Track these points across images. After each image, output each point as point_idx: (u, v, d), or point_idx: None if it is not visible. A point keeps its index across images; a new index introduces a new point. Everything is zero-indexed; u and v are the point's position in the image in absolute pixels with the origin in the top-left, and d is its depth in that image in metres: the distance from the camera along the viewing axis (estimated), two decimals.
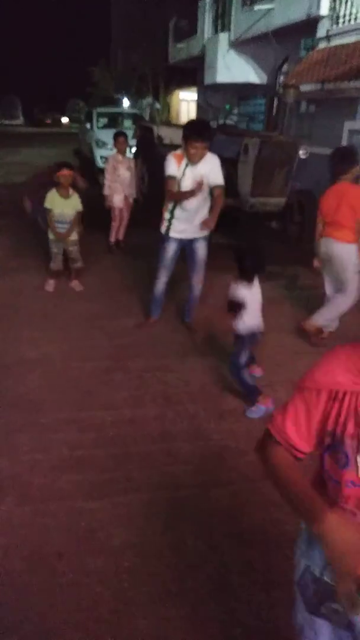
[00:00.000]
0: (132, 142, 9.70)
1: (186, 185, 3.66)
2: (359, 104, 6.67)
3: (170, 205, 3.81)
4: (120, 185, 6.05)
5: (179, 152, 3.69)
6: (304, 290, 5.38)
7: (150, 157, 6.91)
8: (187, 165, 3.64)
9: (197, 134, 3.52)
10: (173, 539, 2.19)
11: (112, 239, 6.35)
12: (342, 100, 7.05)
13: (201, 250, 3.98)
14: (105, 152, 12.84)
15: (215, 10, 12.88)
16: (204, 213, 3.79)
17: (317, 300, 5.04)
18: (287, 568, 2.06)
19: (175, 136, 6.77)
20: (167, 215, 3.85)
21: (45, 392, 3.22)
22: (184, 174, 3.65)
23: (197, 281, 4.07)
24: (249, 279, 2.95)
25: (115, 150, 6.14)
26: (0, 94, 46.24)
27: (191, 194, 3.61)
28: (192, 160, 3.60)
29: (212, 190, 3.72)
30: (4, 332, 4.01)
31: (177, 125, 9.57)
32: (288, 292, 5.31)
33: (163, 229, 3.90)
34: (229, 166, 6.62)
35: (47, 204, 4.64)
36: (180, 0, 15.75)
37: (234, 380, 3.15)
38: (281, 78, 9.77)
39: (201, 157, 3.59)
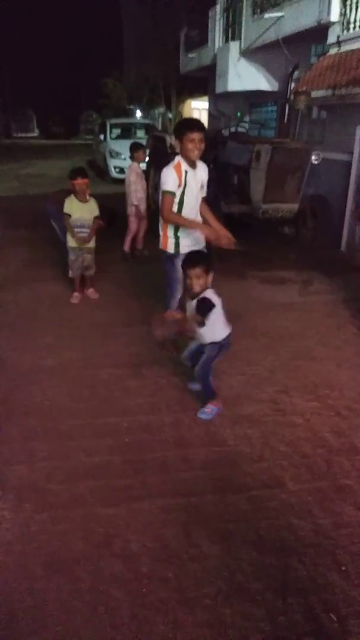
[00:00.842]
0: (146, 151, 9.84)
1: (190, 190, 3.50)
2: None
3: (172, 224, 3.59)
4: (143, 194, 6.19)
5: (176, 161, 3.46)
6: (318, 295, 5.36)
7: (163, 166, 6.99)
8: (186, 171, 3.45)
9: (191, 125, 3.37)
10: (190, 544, 2.19)
11: (128, 247, 6.41)
12: (354, 105, 7.03)
13: None
14: (119, 162, 13.03)
15: (226, 19, 12.99)
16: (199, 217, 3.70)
17: (331, 306, 5.03)
18: (303, 574, 2.07)
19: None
20: (170, 233, 3.61)
21: (62, 399, 3.26)
22: (186, 183, 3.46)
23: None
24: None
25: (132, 162, 6.24)
26: (15, 108, 47.14)
27: (192, 225, 3.48)
28: (192, 157, 3.40)
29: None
30: (22, 340, 4.08)
31: None
32: (302, 298, 5.29)
33: (171, 248, 3.63)
34: (241, 173, 6.66)
35: (66, 209, 4.71)
36: (190, 11, 15.94)
37: (199, 377, 3.09)
38: (292, 85, 9.79)
39: (200, 150, 3.38)
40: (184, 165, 3.46)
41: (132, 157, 6.26)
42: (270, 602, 1.95)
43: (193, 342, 3.13)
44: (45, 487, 2.49)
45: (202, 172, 3.59)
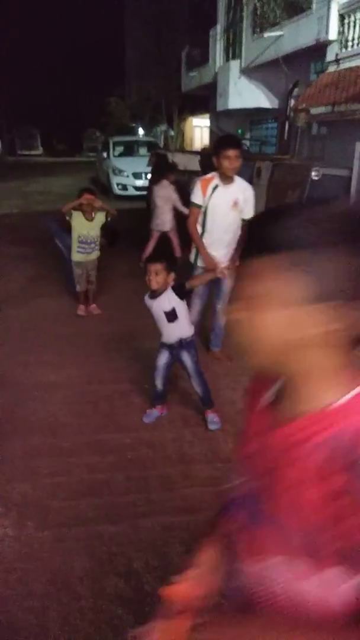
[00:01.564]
0: (148, 169, 9.98)
1: (215, 205, 3.48)
2: None
3: (199, 231, 3.65)
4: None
5: (209, 175, 3.52)
6: None
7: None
8: (216, 186, 3.45)
9: (227, 143, 3.37)
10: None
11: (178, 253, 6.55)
12: (353, 121, 7.14)
13: (229, 277, 3.74)
14: (121, 179, 13.20)
15: (226, 39, 13.26)
16: (233, 241, 3.63)
17: None
18: None
19: (189, 162, 6.93)
20: (193, 244, 3.71)
21: (65, 415, 3.27)
22: (211, 195, 3.46)
23: (223, 309, 3.88)
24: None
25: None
26: (19, 126, 47.94)
27: (201, 251, 3.55)
28: (227, 174, 3.37)
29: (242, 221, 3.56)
30: (25, 356, 4.10)
31: (190, 152, 9.78)
32: None
33: (192, 257, 3.74)
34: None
35: (73, 223, 4.79)
36: (192, 30, 16.28)
37: (199, 385, 3.08)
38: (292, 102, 9.95)
39: (236, 170, 3.37)
40: (216, 180, 3.46)
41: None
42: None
43: (160, 356, 3.09)
44: (48, 505, 2.49)
45: (237, 191, 3.48)
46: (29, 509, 2.46)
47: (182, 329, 2.97)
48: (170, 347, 3.04)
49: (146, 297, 2.99)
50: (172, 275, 2.91)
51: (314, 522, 0.65)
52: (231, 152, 3.31)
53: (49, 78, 45.55)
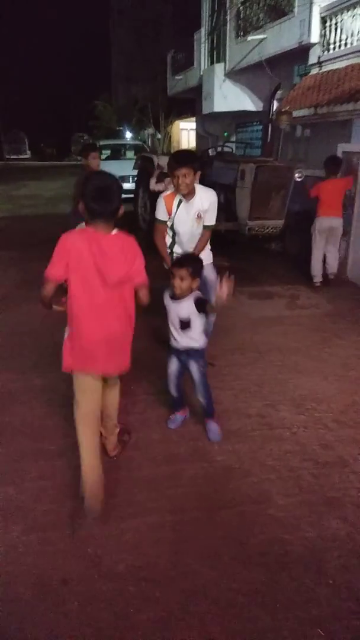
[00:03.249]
0: (134, 172, 10.00)
1: (181, 222, 3.53)
2: (352, 126, 6.81)
3: (169, 242, 3.71)
4: None
5: (169, 192, 3.53)
6: (305, 309, 5.42)
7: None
8: (180, 201, 3.47)
9: (175, 161, 3.33)
10: (178, 562, 2.19)
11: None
12: (336, 123, 7.20)
13: (210, 275, 3.76)
14: None
15: (211, 42, 13.32)
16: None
17: (317, 319, 5.09)
18: (291, 589, 2.07)
19: None
20: (168, 250, 3.75)
21: (50, 419, 3.26)
22: (176, 212, 3.50)
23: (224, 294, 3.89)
24: None
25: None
26: (7, 130, 47.73)
27: (165, 259, 3.60)
28: (182, 191, 3.36)
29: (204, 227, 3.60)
30: (10, 361, 4.08)
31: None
32: (289, 312, 5.35)
33: (166, 266, 3.74)
34: (228, 192, 6.77)
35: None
36: (177, 34, 16.35)
37: (203, 396, 3.06)
38: (275, 104, 10.03)
39: (189, 187, 3.34)
40: (179, 196, 3.45)
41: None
42: (259, 618, 1.95)
43: (170, 364, 3.07)
44: (33, 508, 2.49)
45: (200, 202, 3.49)
46: (14, 512, 2.46)
47: (192, 339, 2.92)
48: (178, 352, 3.01)
49: (166, 296, 2.96)
50: (197, 281, 2.88)
51: None
52: (180, 172, 3.27)
53: (36, 82, 45.47)
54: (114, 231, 2.27)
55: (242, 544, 2.28)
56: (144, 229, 8.26)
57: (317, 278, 6.14)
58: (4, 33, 39.84)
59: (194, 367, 2.98)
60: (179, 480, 2.69)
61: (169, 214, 3.52)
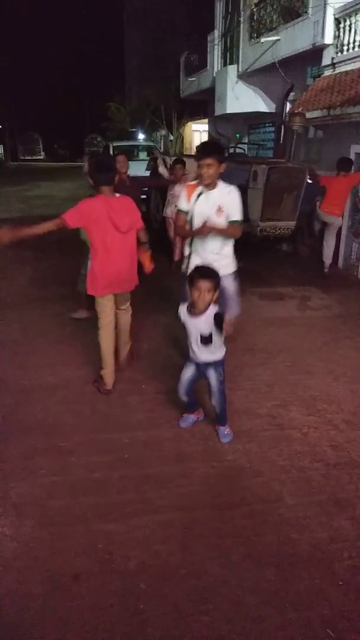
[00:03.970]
0: (147, 172, 10.03)
1: (199, 212, 3.47)
2: None
3: (188, 240, 3.66)
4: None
5: (193, 182, 3.57)
6: (316, 310, 5.41)
7: (164, 188, 7.15)
8: (200, 193, 3.46)
9: (201, 152, 3.39)
10: (188, 560, 2.20)
11: (177, 257, 6.56)
12: (349, 124, 7.17)
13: (230, 286, 3.70)
14: None
15: (224, 44, 13.33)
16: (222, 247, 3.58)
17: (328, 321, 5.07)
18: (301, 589, 2.07)
19: (187, 165, 6.96)
20: (186, 251, 3.69)
21: (63, 416, 3.30)
22: (196, 202, 3.48)
23: (233, 318, 3.62)
24: None
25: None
26: (22, 132, 48.19)
27: (198, 231, 3.41)
28: (204, 181, 3.37)
29: (231, 222, 3.47)
30: (24, 358, 4.13)
31: (188, 155, 9.84)
32: (300, 313, 5.33)
33: (183, 267, 3.72)
34: (240, 193, 6.79)
35: None
36: (190, 36, 16.38)
37: (219, 404, 3.01)
38: (288, 106, 10.00)
39: (212, 177, 3.34)
40: (200, 187, 3.45)
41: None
42: (268, 617, 1.95)
43: (185, 370, 3.01)
44: (45, 504, 2.52)
45: (220, 196, 3.43)
46: (26, 508, 2.49)
47: (213, 353, 2.87)
48: (197, 364, 2.95)
49: (183, 310, 2.86)
50: (217, 294, 2.81)
51: None
52: (204, 161, 3.31)
53: (50, 84, 45.80)
54: (116, 195, 3.35)
55: (252, 543, 2.29)
56: (157, 229, 8.28)
57: (325, 265, 6.64)
58: (19, 37, 40.29)
59: (213, 376, 2.92)
60: (189, 479, 2.71)
61: (188, 202, 3.51)
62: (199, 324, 2.79)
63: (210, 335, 2.77)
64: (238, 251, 3.79)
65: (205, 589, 2.07)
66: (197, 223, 3.49)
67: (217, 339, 2.81)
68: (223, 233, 3.48)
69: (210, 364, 2.91)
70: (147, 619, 1.95)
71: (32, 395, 3.55)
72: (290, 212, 6.47)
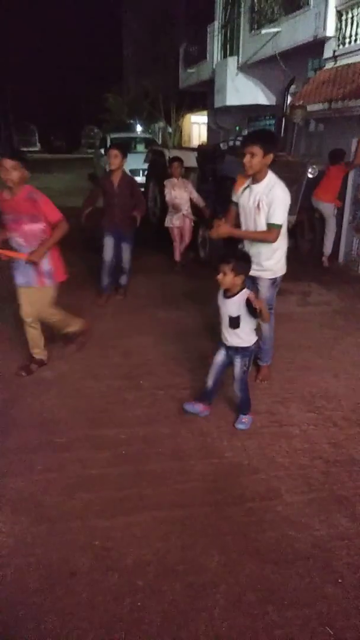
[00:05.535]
0: (144, 165, 9.96)
1: (241, 206, 3.29)
2: None
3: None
4: (174, 208, 6.40)
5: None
6: (316, 306, 5.38)
7: (162, 180, 7.06)
8: (247, 186, 3.25)
9: (246, 139, 3.18)
10: (186, 557, 2.19)
11: (177, 257, 6.66)
12: (350, 118, 7.13)
13: (263, 291, 3.44)
14: None
15: (224, 35, 13.20)
16: (260, 247, 3.31)
17: (328, 317, 5.05)
18: (299, 587, 2.06)
19: (186, 158, 6.89)
20: (240, 245, 3.49)
21: (60, 411, 3.27)
22: (242, 195, 3.28)
23: (266, 325, 3.51)
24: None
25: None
26: (17, 123, 47.71)
27: (212, 233, 3.27)
28: (247, 171, 3.14)
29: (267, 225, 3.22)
30: (20, 352, 4.09)
31: (187, 148, 9.77)
32: (300, 308, 5.31)
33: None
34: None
35: None
36: (189, 27, 16.21)
37: (240, 391, 3.08)
38: (289, 98, 9.92)
39: (254, 168, 3.10)
40: (248, 181, 3.26)
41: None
42: (267, 615, 1.94)
43: (217, 353, 3.08)
44: (42, 500, 2.50)
45: (264, 192, 3.17)
46: (22, 504, 2.47)
47: (240, 339, 2.94)
48: (227, 348, 3.02)
49: (220, 294, 2.96)
50: (242, 278, 2.84)
51: None
52: (247, 149, 3.10)
53: (47, 74, 45.31)
54: None
55: (251, 540, 2.28)
56: (154, 223, 8.23)
57: (323, 254, 6.79)
58: (14, 26, 39.80)
59: (237, 364, 3.02)
60: (187, 475, 2.69)
61: (236, 193, 3.36)
62: (229, 306, 2.89)
63: (238, 318, 2.87)
64: (237, 247, 3.72)
65: (204, 586, 2.05)
66: (243, 217, 3.33)
67: (245, 325, 2.90)
68: (248, 236, 3.32)
69: (238, 351, 2.98)
70: (145, 615, 1.93)
71: (27, 391, 3.52)
72: (290, 206, 6.41)
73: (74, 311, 3.96)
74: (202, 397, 3.21)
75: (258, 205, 3.19)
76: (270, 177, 3.22)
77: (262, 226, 3.24)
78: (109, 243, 5.18)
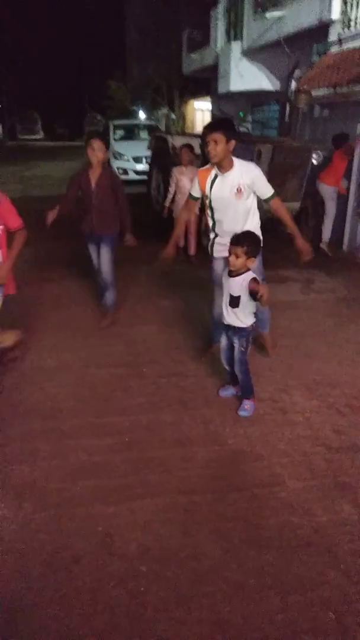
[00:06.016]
0: (148, 152, 9.86)
1: (217, 198, 3.27)
2: None
3: (210, 224, 3.48)
4: (182, 197, 6.10)
5: (206, 166, 3.32)
6: (320, 294, 5.35)
7: (165, 167, 7.00)
8: (216, 176, 3.24)
9: (207, 127, 3.19)
10: (189, 543, 2.20)
11: (192, 251, 6.38)
12: (355, 103, 7.01)
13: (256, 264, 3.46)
14: (122, 163, 13.06)
15: (228, 20, 12.97)
16: (251, 227, 3.27)
17: (332, 304, 5.02)
18: (301, 572, 2.07)
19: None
20: (212, 235, 3.51)
21: (63, 399, 3.28)
22: (212, 187, 3.27)
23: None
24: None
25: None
26: (20, 110, 47.35)
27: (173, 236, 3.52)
28: (212, 159, 3.15)
29: (265, 202, 3.33)
30: (23, 340, 4.09)
31: (191, 135, 9.66)
32: (303, 296, 5.28)
33: (209, 248, 3.56)
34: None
35: None
36: (192, 12, 15.94)
37: (241, 373, 3.10)
38: (293, 83, 9.77)
39: (219, 155, 3.10)
40: (215, 170, 3.24)
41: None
42: (269, 600, 1.95)
43: (222, 339, 3.16)
44: (45, 486, 2.51)
45: (239, 176, 3.19)
46: (26, 490, 2.48)
47: (238, 318, 2.99)
48: (226, 328, 3.08)
49: (225, 272, 3.04)
50: (253, 261, 2.91)
51: None
52: (210, 137, 3.11)
53: (49, 62, 44.80)
54: None
55: (253, 526, 2.28)
56: (158, 211, 8.17)
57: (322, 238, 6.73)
58: (16, 12, 39.26)
59: (236, 344, 3.06)
60: (190, 462, 2.70)
61: (203, 190, 3.31)
62: (232, 285, 2.94)
63: (238, 298, 2.92)
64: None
65: (206, 572, 2.07)
66: (218, 207, 3.31)
67: (244, 307, 2.95)
68: (289, 221, 3.54)
69: (236, 332, 3.02)
70: (148, 600, 1.95)
71: (31, 378, 3.53)
72: (295, 192, 6.36)
73: (75, 302, 3.94)
74: (230, 379, 3.29)
75: (238, 189, 3.21)
76: (238, 161, 3.26)
77: (244, 210, 3.29)
78: (93, 253, 4.40)
